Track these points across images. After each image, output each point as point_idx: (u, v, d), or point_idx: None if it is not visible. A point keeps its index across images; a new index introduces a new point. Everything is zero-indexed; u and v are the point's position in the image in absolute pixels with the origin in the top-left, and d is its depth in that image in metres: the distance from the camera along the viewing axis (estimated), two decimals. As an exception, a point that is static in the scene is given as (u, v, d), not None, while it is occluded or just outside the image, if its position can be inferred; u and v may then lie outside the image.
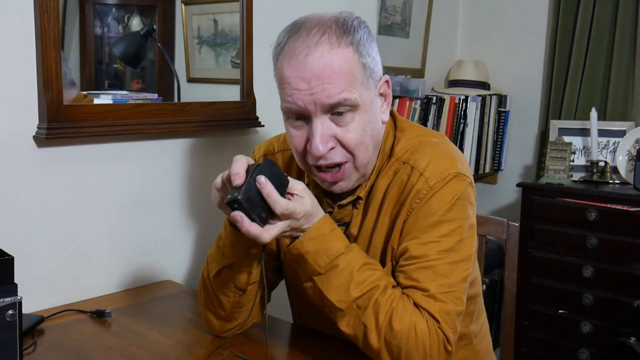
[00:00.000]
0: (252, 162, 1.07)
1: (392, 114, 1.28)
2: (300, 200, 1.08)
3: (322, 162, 1.14)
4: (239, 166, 1.05)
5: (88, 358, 1.25)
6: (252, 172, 1.04)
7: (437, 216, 1.14)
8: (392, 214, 1.20)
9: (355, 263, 1.11)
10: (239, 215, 1.03)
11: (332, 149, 1.13)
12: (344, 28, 1.12)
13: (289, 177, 1.08)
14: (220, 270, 1.24)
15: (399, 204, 1.19)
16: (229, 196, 1.03)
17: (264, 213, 1.05)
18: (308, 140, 1.13)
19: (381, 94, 1.20)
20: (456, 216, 1.15)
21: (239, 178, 1.03)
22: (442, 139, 1.25)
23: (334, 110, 1.11)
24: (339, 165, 1.15)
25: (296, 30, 1.13)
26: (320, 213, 1.13)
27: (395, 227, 1.19)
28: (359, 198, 1.23)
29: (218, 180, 1.10)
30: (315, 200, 1.12)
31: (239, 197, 1.01)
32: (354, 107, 1.12)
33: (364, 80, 1.13)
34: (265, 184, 1.03)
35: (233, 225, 1.14)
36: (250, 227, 1.03)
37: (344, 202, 1.24)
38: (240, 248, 1.18)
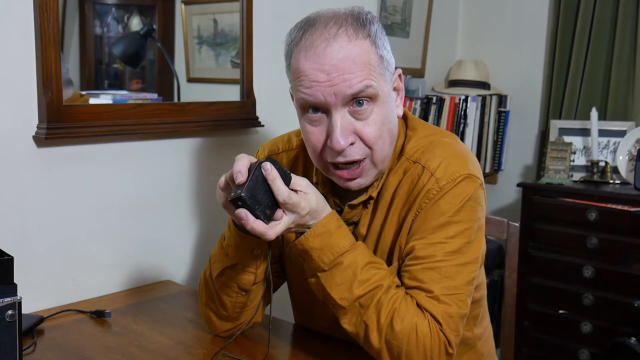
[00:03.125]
0: (254, 160, 1.07)
1: (403, 112, 1.27)
2: (304, 195, 1.07)
3: (340, 159, 1.13)
4: (242, 164, 1.05)
5: (88, 358, 1.25)
6: (254, 169, 1.04)
7: (446, 217, 1.13)
8: (401, 213, 1.19)
9: (359, 261, 1.11)
10: (243, 212, 1.03)
11: (351, 144, 1.11)
12: (359, 21, 1.11)
13: (292, 174, 1.08)
14: (223, 270, 1.23)
15: (408, 204, 1.18)
16: (232, 194, 1.03)
17: (268, 209, 1.05)
18: (327, 136, 1.12)
19: (395, 88, 1.19)
20: (465, 217, 1.14)
21: (241, 176, 1.03)
22: (453, 139, 1.24)
23: (354, 102, 1.10)
24: (356, 162, 1.14)
25: (311, 24, 1.12)
26: (327, 209, 1.12)
27: (404, 226, 1.18)
28: (370, 198, 1.22)
29: (222, 180, 1.10)
30: (320, 196, 1.11)
31: (242, 195, 1.01)
32: (373, 97, 1.11)
33: (382, 72, 1.12)
34: (270, 170, 1.03)
35: (237, 226, 1.14)
36: (255, 224, 1.03)
37: (355, 202, 1.22)
38: (244, 248, 1.18)
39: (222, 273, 1.24)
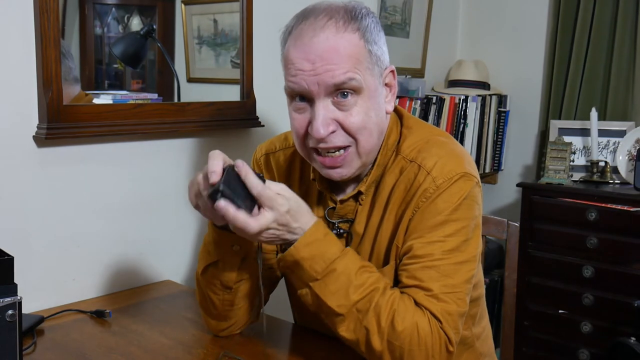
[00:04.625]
0: (227, 158, 1.06)
1: (398, 110, 1.27)
2: (280, 194, 1.06)
3: (322, 145, 1.13)
4: (216, 164, 1.03)
5: (88, 358, 1.25)
6: (226, 169, 1.03)
7: (443, 215, 1.14)
8: (397, 212, 1.19)
9: (352, 266, 1.10)
10: (223, 203, 1.01)
11: (333, 132, 1.12)
12: (352, 15, 1.12)
13: (266, 180, 1.06)
14: (206, 267, 1.24)
15: (405, 203, 1.18)
16: (209, 190, 1.02)
17: (247, 202, 1.03)
18: (309, 123, 1.13)
19: (386, 85, 1.20)
20: (462, 216, 1.14)
21: (215, 176, 1.02)
22: (448, 138, 1.25)
23: (338, 93, 1.11)
24: (339, 149, 1.14)
25: (305, 15, 1.14)
26: (311, 215, 1.11)
27: (401, 226, 1.18)
28: (360, 193, 1.22)
29: (194, 180, 1.09)
30: (300, 200, 1.10)
31: (220, 187, 1.00)
32: (357, 90, 1.11)
33: (369, 66, 1.13)
34: (242, 165, 1.03)
35: (216, 225, 1.14)
36: (237, 214, 1.01)
37: (345, 197, 1.23)
38: (222, 245, 1.18)
39: (206, 270, 1.24)
